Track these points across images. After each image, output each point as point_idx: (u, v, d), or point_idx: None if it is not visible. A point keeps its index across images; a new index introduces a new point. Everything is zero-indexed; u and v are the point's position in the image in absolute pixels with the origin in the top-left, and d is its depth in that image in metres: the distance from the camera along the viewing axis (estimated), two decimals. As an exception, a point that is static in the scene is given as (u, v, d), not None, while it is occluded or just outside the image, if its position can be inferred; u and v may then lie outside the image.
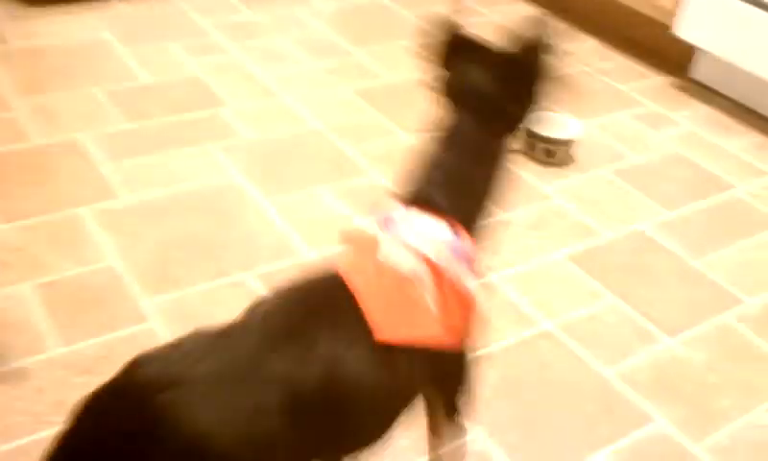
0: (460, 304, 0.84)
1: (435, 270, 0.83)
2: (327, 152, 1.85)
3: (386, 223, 0.86)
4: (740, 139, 2.15)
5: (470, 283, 0.85)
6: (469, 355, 0.93)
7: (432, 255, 0.83)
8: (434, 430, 1.02)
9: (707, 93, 2.37)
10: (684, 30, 2.29)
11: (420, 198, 0.88)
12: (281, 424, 0.73)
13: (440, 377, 0.92)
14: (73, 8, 2.33)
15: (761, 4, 2.10)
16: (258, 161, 1.78)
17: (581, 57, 2.49)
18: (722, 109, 2.28)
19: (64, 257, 1.46)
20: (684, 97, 2.33)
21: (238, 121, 1.91)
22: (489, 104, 0.90)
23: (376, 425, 0.84)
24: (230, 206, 1.62)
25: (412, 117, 2.03)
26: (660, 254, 1.68)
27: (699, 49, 2.38)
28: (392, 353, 0.80)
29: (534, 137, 1.91)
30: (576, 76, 2.37)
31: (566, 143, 1.92)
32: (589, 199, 1.82)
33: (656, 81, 2.41)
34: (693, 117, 2.23)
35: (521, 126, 0.94)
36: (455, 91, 0.93)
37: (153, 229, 1.55)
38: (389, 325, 0.80)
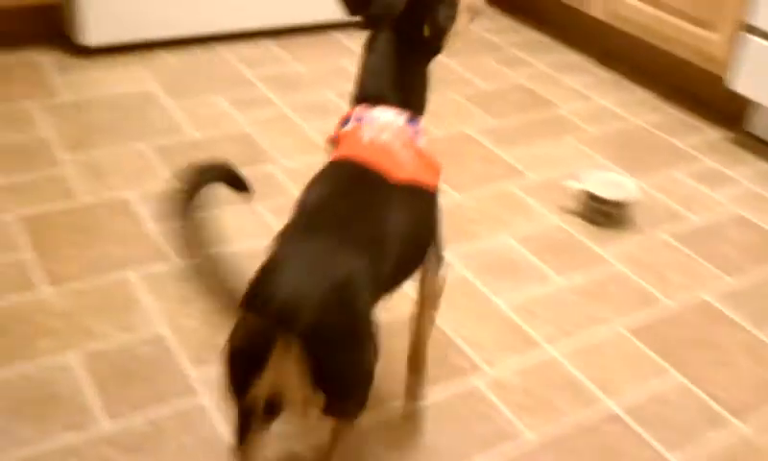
0: (420, 157, 1.17)
1: (401, 138, 1.16)
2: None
3: (358, 120, 1.18)
4: (802, 199, 2.07)
5: (422, 142, 1.20)
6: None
7: (396, 129, 1.17)
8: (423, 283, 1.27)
9: (763, 148, 2.29)
10: (738, 82, 2.23)
11: (375, 98, 1.20)
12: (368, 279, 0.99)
13: (428, 220, 1.21)
14: (120, 58, 2.33)
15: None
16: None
17: (633, 109, 2.44)
18: (781, 166, 2.22)
19: (111, 324, 1.42)
20: (740, 152, 2.26)
21: (286, 178, 1.88)
22: (405, 29, 1.20)
23: (414, 259, 1.18)
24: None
25: (464, 175, 1.99)
26: (725, 327, 1.60)
27: (754, 102, 2.31)
28: (406, 192, 1.12)
29: (590, 199, 1.85)
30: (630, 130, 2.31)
31: (624, 205, 1.86)
32: (649, 264, 1.76)
33: (710, 135, 2.34)
34: (752, 174, 2.16)
35: (441, 40, 1.23)
36: (378, 12, 1.22)
37: (201, 295, 1.51)
38: (390, 169, 1.11)
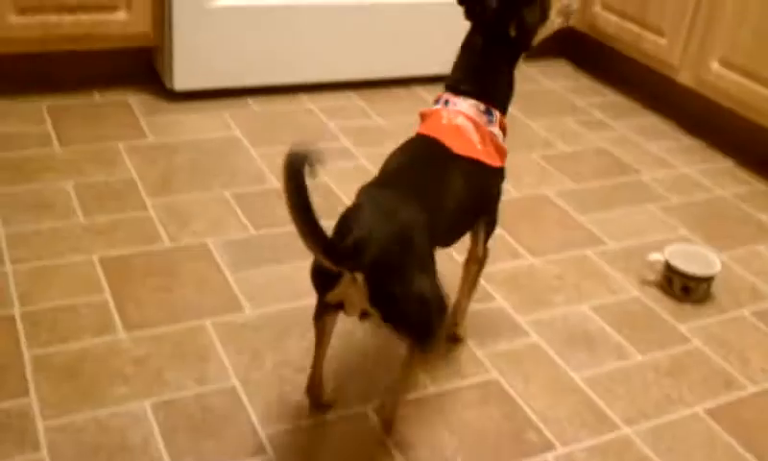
0: (491, 142, 1.39)
1: (474, 123, 1.38)
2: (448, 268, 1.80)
3: (443, 103, 1.41)
4: None
5: (494, 129, 1.40)
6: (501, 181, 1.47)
7: (471, 115, 1.38)
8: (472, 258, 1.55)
9: None
10: (834, 160, 2.15)
11: (459, 88, 1.41)
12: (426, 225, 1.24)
13: (487, 198, 1.47)
14: (207, 104, 2.39)
15: None
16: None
17: (717, 179, 2.38)
18: None
19: (185, 373, 1.44)
20: (830, 230, 2.18)
21: (362, 233, 1.89)
22: (494, 28, 1.39)
23: (468, 221, 1.45)
24: (355, 330, 1.58)
25: (542, 238, 1.96)
26: (811, 418, 1.53)
27: None
28: (468, 166, 1.35)
29: (672, 272, 1.80)
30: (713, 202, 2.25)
31: (706, 280, 1.80)
32: (730, 343, 1.70)
33: (798, 210, 2.27)
34: (843, 256, 2.07)
35: (528, 40, 1.41)
36: (474, 17, 1.42)
37: (273, 348, 1.52)
38: (458, 147, 1.35)
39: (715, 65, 2.47)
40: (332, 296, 1.24)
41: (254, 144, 2.22)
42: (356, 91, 2.61)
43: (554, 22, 1.46)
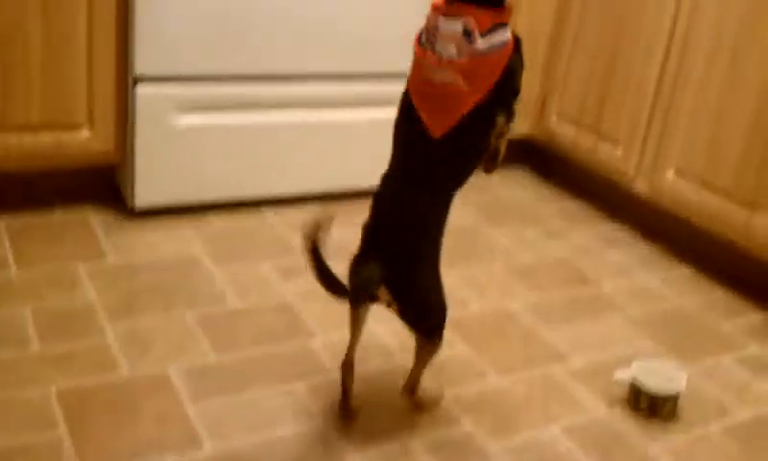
0: (488, 65, 1.42)
1: (469, 61, 1.42)
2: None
3: (429, 33, 1.46)
4: None
5: (499, 39, 1.43)
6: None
7: (454, 56, 1.42)
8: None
9: (814, 336, 2.24)
10: (789, 269, 2.20)
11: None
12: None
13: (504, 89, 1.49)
14: (169, 221, 2.37)
15: None
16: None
17: (676, 287, 2.41)
18: (833, 357, 2.15)
19: (145, 516, 1.38)
20: (789, 339, 2.21)
21: (328, 356, 1.86)
22: None
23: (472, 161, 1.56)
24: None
25: (506, 356, 1.96)
26: None
27: (805, 289, 2.28)
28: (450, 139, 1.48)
29: (638, 390, 1.80)
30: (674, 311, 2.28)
31: (673, 398, 1.80)
32: (699, 464, 1.69)
33: (756, 319, 2.30)
34: (803, 365, 2.10)
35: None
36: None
37: (237, 484, 1.47)
38: (438, 126, 1.46)
39: (670, 175, 2.53)
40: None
41: (217, 262, 2.20)
42: (321, 204, 2.62)
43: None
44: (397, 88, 2.62)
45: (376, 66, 2.57)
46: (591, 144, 2.78)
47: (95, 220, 2.33)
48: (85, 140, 2.27)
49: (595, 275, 2.43)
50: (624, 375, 1.84)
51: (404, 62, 2.60)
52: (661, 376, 1.83)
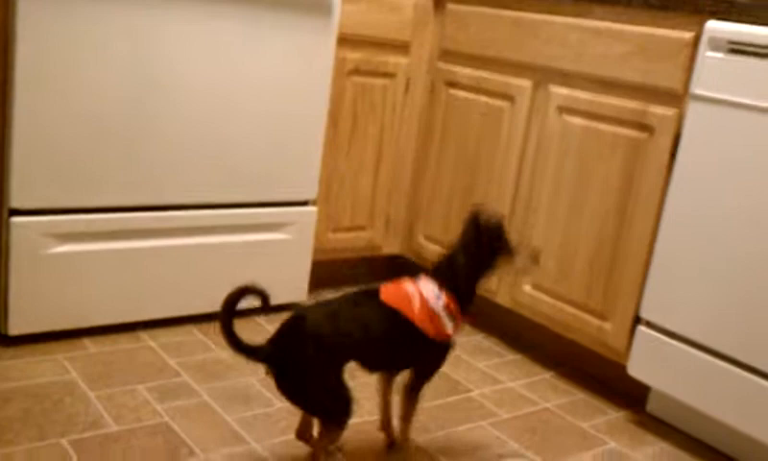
0: (429, 315, 1.87)
1: (421, 296, 1.87)
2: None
3: (416, 283, 1.91)
4: (703, 482, 2.18)
5: (438, 308, 1.88)
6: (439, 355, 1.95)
7: (422, 290, 1.89)
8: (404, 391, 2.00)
9: (664, 429, 2.43)
10: (636, 369, 2.40)
11: (434, 276, 1.93)
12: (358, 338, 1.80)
13: (417, 355, 1.93)
14: (42, 347, 2.35)
15: (705, 348, 2.23)
16: (227, 521, 1.73)
17: (540, 391, 2.57)
18: (680, 446, 2.34)
19: None
20: (642, 433, 2.39)
21: (206, 473, 1.88)
22: (469, 244, 1.95)
23: (395, 358, 1.93)
24: None
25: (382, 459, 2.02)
26: None
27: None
28: (391, 311, 1.84)
29: (505, 489, 1.91)
30: (536, 413, 2.42)
31: (537, 494, 1.92)
32: None
33: (615, 417, 2.48)
34: (654, 455, 2.27)
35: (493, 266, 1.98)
36: (463, 235, 1.99)
37: None
38: (390, 299, 1.85)
39: (528, 288, 2.74)
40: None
41: (92, 387, 2.19)
42: (196, 325, 2.66)
43: (516, 263, 1.99)
44: (269, 215, 2.75)
45: (249, 195, 2.69)
46: (457, 261, 2.97)
47: (-36, 349, 2.28)
48: (-45, 269, 2.25)
49: (465, 383, 2.56)
50: (492, 474, 1.95)
51: (275, 191, 2.73)
52: (527, 473, 1.95)
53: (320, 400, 1.77)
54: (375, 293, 1.87)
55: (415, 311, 1.85)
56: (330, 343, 1.75)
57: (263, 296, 1.76)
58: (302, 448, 2.04)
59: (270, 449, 2.01)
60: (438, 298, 1.87)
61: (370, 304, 1.84)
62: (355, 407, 1.80)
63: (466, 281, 1.94)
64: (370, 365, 1.91)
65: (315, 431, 1.92)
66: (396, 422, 2.08)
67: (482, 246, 1.93)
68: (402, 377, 2.00)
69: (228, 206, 2.67)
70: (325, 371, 1.75)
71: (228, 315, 1.74)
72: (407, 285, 1.89)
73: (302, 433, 1.95)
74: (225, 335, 1.74)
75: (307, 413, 1.87)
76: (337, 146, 2.92)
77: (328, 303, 1.86)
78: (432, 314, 1.86)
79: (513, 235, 2.02)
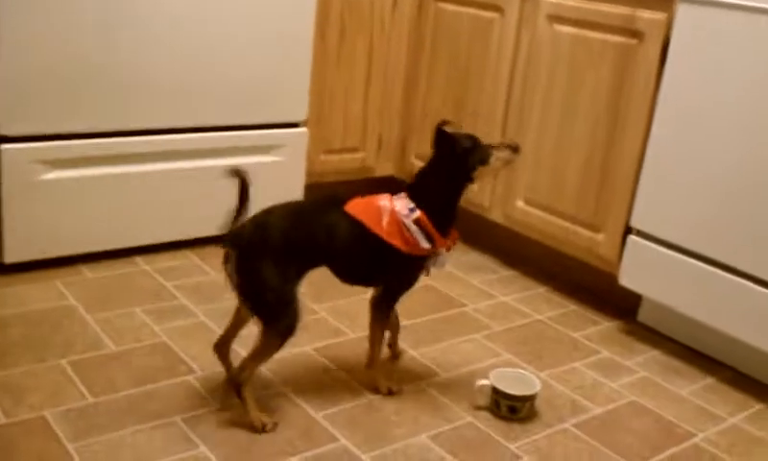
0: (398, 227, 1.84)
1: (392, 209, 1.85)
2: (294, 417, 1.86)
3: (392, 199, 1.88)
4: (692, 383, 2.22)
5: (409, 222, 1.84)
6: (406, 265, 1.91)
7: (395, 205, 1.86)
8: (371, 301, 2.00)
9: (654, 337, 2.47)
10: (627, 279, 2.43)
11: (409, 194, 1.89)
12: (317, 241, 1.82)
13: (387, 269, 1.91)
14: (39, 274, 2.38)
15: (695, 255, 2.25)
16: (231, 440, 1.77)
17: (533, 304, 2.60)
18: (671, 353, 2.38)
19: None
20: (634, 342, 2.43)
21: (202, 388, 1.92)
22: (440, 163, 1.91)
23: (360, 269, 1.92)
24: None
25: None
26: (631, 516, 1.68)
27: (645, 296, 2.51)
28: (355, 223, 1.84)
29: (498, 395, 1.95)
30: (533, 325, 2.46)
31: (530, 398, 1.96)
32: (558, 457, 1.84)
33: (606, 327, 2.51)
34: (645, 363, 2.31)
35: (469, 178, 1.92)
36: (433, 154, 1.93)
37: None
38: (355, 211, 1.84)
39: (520, 204, 2.75)
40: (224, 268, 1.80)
41: (90, 311, 2.22)
42: (191, 249, 2.68)
43: (494, 165, 1.94)
44: (261, 137, 2.74)
45: (239, 117, 2.68)
46: (449, 179, 2.97)
47: (-39, 278, 2.31)
48: (-52, 199, 2.26)
49: (460, 298, 2.59)
50: (485, 382, 1.99)
51: (265, 112, 2.72)
52: (518, 381, 1.99)
53: (266, 295, 1.75)
54: (344, 202, 1.86)
55: (383, 225, 1.82)
56: (289, 237, 1.76)
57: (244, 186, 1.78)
58: (304, 362, 2.08)
59: (266, 365, 2.05)
60: (411, 211, 1.84)
61: (337, 212, 1.83)
62: (299, 326, 1.79)
63: (440, 198, 1.89)
64: (340, 274, 1.91)
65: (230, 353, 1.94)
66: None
67: (455, 160, 1.88)
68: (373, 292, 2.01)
69: (220, 129, 2.66)
70: (280, 265, 1.74)
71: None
72: (381, 200, 1.87)
73: (221, 345, 1.92)
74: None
75: (250, 309, 1.79)
76: (326, 62, 2.90)
77: (301, 203, 1.89)
78: (401, 228, 1.83)
79: (482, 140, 1.93)
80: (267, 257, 1.74)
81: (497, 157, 1.93)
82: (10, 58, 2.19)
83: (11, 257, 2.34)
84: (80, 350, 2.03)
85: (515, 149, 1.96)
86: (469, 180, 1.92)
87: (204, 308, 2.31)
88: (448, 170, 1.89)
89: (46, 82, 2.27)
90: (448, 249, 1.94)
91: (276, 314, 1.76)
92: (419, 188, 1.89)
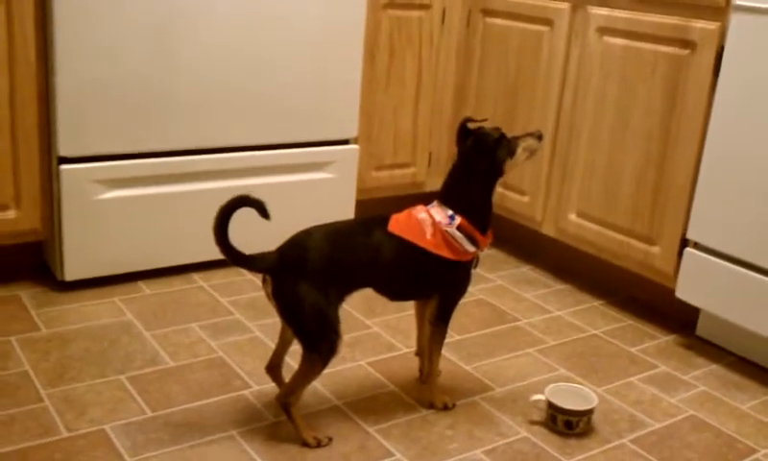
0: (443, 237, 1.83)
1: (433, 220, 1.84)
2: (349, 432, 1.87)
3: (428, 209, 1.87)
4: (752, 398, 2.17)
5: (453, 230, 1.83)
6: (457, 274, 1.91)
7: (434, 215, 1.85)
8: (429, 320, 1.97)
9: (713, 351, 2.42)
10: (685, 292, 2.39)
11: (445, 201, 1.88)
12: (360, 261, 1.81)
13: (438, 280, 1.90)
14: (99, 291, 2.43)
15: (754, 267, 2.20)
16: (286, 453, 1.79)
17: (588, 319, 2.57)
18: (731, 367, 2.33)
19: None
20: (692, 356, 2.38)
21: (257, 402, 1.94)
22: (469, 162, 1.88)
23: (408, 285, 1.90)
24: None
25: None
26: (692, 533, 1.64)
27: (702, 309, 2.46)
28: (399, 241, 1.83)
29: (554, 410, 1.93)
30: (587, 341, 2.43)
31: (586, 413, 1.94)
32: (614, 472, 1.82)
33: (663, 341, 2.47)
34: (704, 377, 2.26)
35: (500, 173, 1.90)
36: (459, 153, 1.90)
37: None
38: (398, 229, 1.83)
39: (573, 217, 2.72)
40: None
41: (148, 327, 2.26)
42: (246, 267, 2.71)
43: (520, 157, 1.92)
44: (312, 154, 2.77)
45: (291, 136, 2.71)
46: (498, 194, 2.97)
47: (25, 296, 2.37)
48: (13, 220, 2.33)
49: (513, 313, 2.58)
50: (540, 396, 1.97)
51: (316, 130, 2.75)
52: (574, 396, 1.97)
53: (307, 318, 1.72)
54: (386, 222, 1.84)
55: (428, 238, 1.82)
56: (331, 259, 1.74)
57: (259, 206, 1.76)
58: (358, 376, 2.09)
59: (319, 380, 2.06)
60: (451, 219, 1.83)
61: (380, 232, 1.82)
62: (341, 348, 1.78)
63: (475, 198, 1.87)
64: (386, 292, 1.89)
65: (283, 372, 1.93)
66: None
67: (484, 156, 1.85)
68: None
69: (273, 147, 2.70)
70: (320, 288, 1.72)
71: (221, 227, 1.72)
72: (420, 213, 1.85)
73: (272, 368, 1.93)
74: (219, 247, 1.73)
75: (292, 332, 1.78)
76: (376, 81, 2.92)
77: (340, 224, 1.85)
78: (446, 238, 1.83)
79: (507, 134, 1.90)
80: (305, 280, 1.72)
81: (523, 147, 1.92)
82: (68, 81, 2.26)
83: (71, 275, 2.40)
84: (138, 365, 2.07)
85: (539, 137, 1.95)
86: (501, 173, 1.89)
87: (258, 324, 2.34)
88: (478, 168, 1.86)
89: (104, 103, 2.33)
90: (486, 246, 1.94)
91: (318, 338, 1.74)
92: (452, 193, 1.88)
